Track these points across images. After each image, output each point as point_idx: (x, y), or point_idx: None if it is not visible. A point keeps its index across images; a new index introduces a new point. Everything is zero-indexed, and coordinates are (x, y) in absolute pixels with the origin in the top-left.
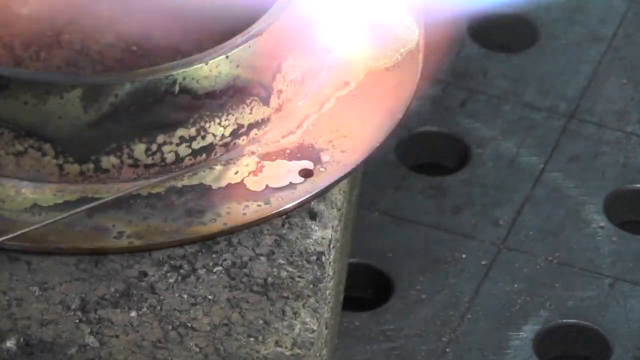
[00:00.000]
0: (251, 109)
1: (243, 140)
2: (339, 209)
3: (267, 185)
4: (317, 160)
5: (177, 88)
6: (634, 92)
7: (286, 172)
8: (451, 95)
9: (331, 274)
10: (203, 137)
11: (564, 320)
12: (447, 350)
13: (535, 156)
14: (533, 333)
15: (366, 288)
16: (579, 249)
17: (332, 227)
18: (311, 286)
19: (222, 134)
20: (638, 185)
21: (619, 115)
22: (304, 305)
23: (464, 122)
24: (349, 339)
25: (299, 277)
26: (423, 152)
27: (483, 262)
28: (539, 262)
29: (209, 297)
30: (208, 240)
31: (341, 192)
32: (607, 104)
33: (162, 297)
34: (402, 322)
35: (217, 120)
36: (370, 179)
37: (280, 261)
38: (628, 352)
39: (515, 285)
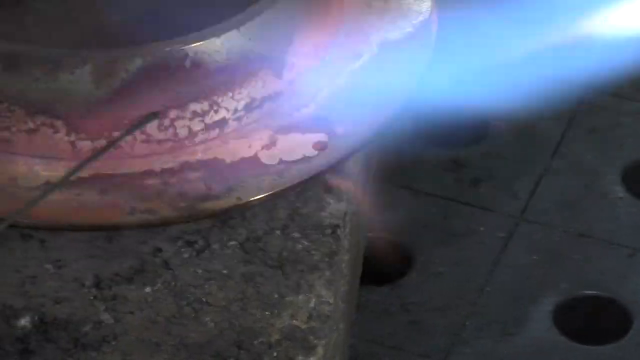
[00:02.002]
0: (264, 83)
1: (256, 113)
2: (354, 181)
3: (281, 159)
4: (331, 133)
5: (189, 62)
6: None
7: (300, 145)
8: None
9: (347, 246)
10: (216, 112)
11: (584, 292)
12: (467, 323)
13: (554, 128)
14: (552, 305)
15: (385, 262)
16: (597, 220)
17: (347, 199)
18: (326, 259)
19: (235, 108)
20: None
21: (637, 87)
22: (319, 278)
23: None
24: (367, 313)
25: (314, 250)
26: (441, 124)
27: (502, 235)
28: (558, 233)
29: (224, 271)
30: (222, 215)
31: (356, 164)
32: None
33: (176, 273)
34: (421, 296)
35: (230, 94)
36: (388, 151)
37: (295, 235)
38: None
39: (534, 258)
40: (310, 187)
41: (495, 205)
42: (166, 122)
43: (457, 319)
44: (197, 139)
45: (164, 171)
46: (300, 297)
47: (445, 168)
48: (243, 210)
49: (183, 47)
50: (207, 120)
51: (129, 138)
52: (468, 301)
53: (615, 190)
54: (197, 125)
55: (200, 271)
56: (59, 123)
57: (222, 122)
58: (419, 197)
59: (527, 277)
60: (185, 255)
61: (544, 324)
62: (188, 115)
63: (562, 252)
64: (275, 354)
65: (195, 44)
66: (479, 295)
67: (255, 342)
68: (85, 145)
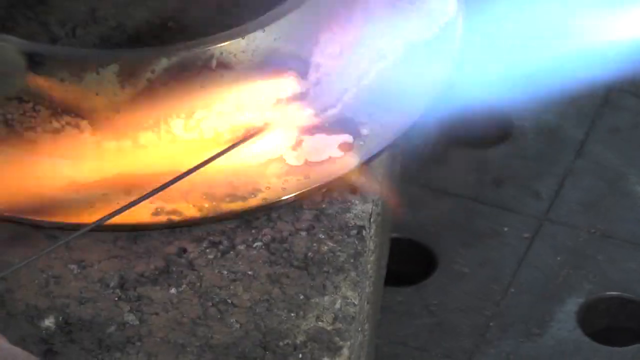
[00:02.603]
0: (289, 83)
1: (281, 114)
2: (380, 182)
3: (306, 160)
4: (356, 134)
5: (214, 62)
6: None
7: (326, 146)
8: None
9: (372, 248)
10: (242, 112)
11: (607, 293)
12: (491, 324)
13: (577, 128)
14: (576, 306)
15: (408, 263)
16: (621, 221)
17: (373, 200)
18: (352, 260)
19: (261, 108)
20: None
21: None
22: (344, 279)
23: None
24: (391, 314)
25: (340, 251)
26: (464, 125)
27: (525, 235)
28: (581, 234)
29: (249, 272)
30: (247, 216)
31: (381, 165)
32: None
33: (201, 274)
34: (445, 297)
35: (256, 95)
36: (411, 152)
37: (320, 236)
38: None
39: (558, 258)
40: (335, 188)
41: (519, 206)
42: (192, 122)
43: (481, 320)
44: (222, 139)
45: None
46: (326, 298)
47: (468, 168)
48: (268, 211)
49: (209, 48)
50: (233, 120)
51: (154, 138)
52: (492, 302)
53: (638, 190)
54: (223, 126)
55: (225, 272)
56: (84, 123)
57: (248, 123)
58: (442, 197)
59: (551, 278)
60: (211, 256)
61: (568, 325)
62: (214, 115)
63: (585, 253)
64: (300, 356)
65: (221, 45)
66: (503, 296)
67: (281, 343)
68: (111, 146)
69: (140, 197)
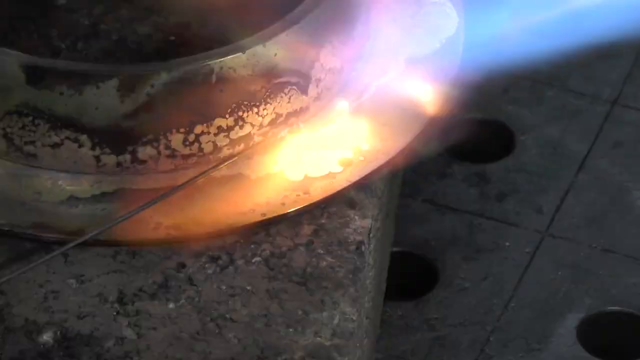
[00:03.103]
0: (289, 98)
1: (282, 129)
2: (379, 198)
3: (306, 175)
4: (356, 149)
5: (214, 77)
6: None
7: (325, 161)
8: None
9: (371, 263)
10: (241, 127)
11: (608, 308)
12: (491, 339)
13: (579, 142)
14: (577, 321)
15: (409, 277)
16: (623, 236)
17: (372, 216)
18: (351, 276)
19: (261, 124)
20: None
21: None
22: (343, 295)
23: (508, 109)
24: (392, 328)
25: (339, 266)
26: (466, 139)
27: (527, 250)
28: (583, 249)
29: (248, 288)
30: (246, 231)
31: (381, 180)
32: None
33: (200, 289)
34: (445, 311)
35: (255, 110)
36: (413, 167)
37: (319, 251)
38: None
39: (559, 273)
40: (335, 203)
41: (521, 220)
42: (191, 137)
43: (482, 335)
44: (222, 155)
45: (189, 186)
46: (325, 313)
47: (470, 183)
48: (267, 226)
49: (209, 63)
50: (233, 135)
51: (153, 153)
52: (493, 316)
53: None
54: (222, 141)
55: (224, 287)
56: (83, 137)
57: (248, 138)
58: (443, 211)
59: (552, 293)
60: (209, 271)
61: (569, 340)
62: (213, 130)
63: (587, 268)
64: None
65: (221, 59)
66: (503, 310)
67: (279, 358)
68: (110, 160)
69: (129, 212)
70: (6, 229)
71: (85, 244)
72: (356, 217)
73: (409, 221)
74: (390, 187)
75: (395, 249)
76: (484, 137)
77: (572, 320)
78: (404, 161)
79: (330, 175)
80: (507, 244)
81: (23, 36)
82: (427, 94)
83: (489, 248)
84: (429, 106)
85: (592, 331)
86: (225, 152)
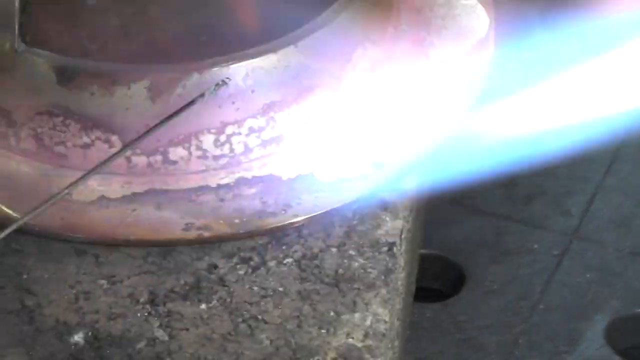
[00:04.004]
0: (320, 99)
1: (313, 130)
2: (410, 199)
3: (337, 176)
4: (388, 150)
5: (246, 78)
6: None
7: (357, 162)
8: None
9: (402, 264)
10: (272, 128)
11: (636, 310)
12: (519, 341)
13: (606, 146)
14: (605, 323)
15: (437, 279)
16: None
17: (404, 217)
18: (383, 277)
19: (292, 124)
20: None
21: None
22: (375, 296)
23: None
24: (420, 330)
25: (371, 268)
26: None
27: (555, 253)
28: (610, 252)
29: (280, 289)
30: (278, 232)
31: (412, 181)
32: None
33: (232, 290)
34: (473, 313)
35: (287, 110)
36: (442, 169)
37: (351, 252)
38: None
39: (587, 276)
40: (366, 204)
41: (548, 223)
42: (222, 137)
43: (510, 337)
44: (253, 155)
45: (219, 187)
46: (357, 315)
47: (498, 185)
48: (299, 227)
49: (240, 63)
50: (264, 136)
51: (184, 154)
52: (521, 319)
53: None
54: (253, 141)
55: (256, 288)
56: (114, 138)
57: (279, 138)
58: (471, 214)
59: (580, 295)
60: (241, 272)
61: (597, 342)
62: (244, 131)
63: (614, 270)
64: None
65: (252, 60)
66: (531, 313)
67: None
68: (141, 161)
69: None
70: (36, 229)
71: (115, 245)
72: (388, 219)
73: (437, 223)
74: (420, 188)
75: (423, 251)
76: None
77: (600, 323)
78: (433, 162)
79: (362, 176)
80: (535, 246)
81: (53, 37)
82: (458, 95)
83: (517, 250)
84: (459, 107)
85: (620, 333)
86: (257, 152)
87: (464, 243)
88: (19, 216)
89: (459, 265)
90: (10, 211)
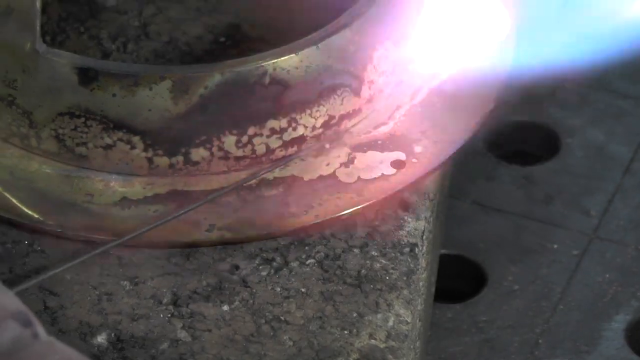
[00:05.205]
0: (342, 100)
1: (334, 131)
2: (432, 200)
3: (359, 177)
4: (409, 151)
5: (267, 79)
6: None
7: (378, 163)
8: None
9: (424, 265)
10: (294, 129)
11: None
12: (540, 341)
13: (625, 145)
14: (625, 323)
15: (458, 279)
16: None
17: (425, 218)
18: (405, 278)
19: (314, 125)
20: None
21: None
22: (397, 297)
23: (553, 112)
24: (441, 330)
25: (393, 269)
26: (513, 142)
27: (574, 252)
28: (630, 251)
29: (302, 290)
30: (300, 233)
31: (433, 182)
32: None
33: (254, 291)
34: (494, 314)
35: (308, 111)
36: (461, 169)
37: (373, 253)
38: None
39: (607, 275)
40: (388, 205)
41: (568, 223)
42: (244, 139)
43: (531, 337)
44: (274, 156)
45: (241, 188)
46: (379, 316)
47: (517, 185)
48: (321, 228)
49: (262, 64)
50: (285, 137)
51: (206, 155)
52: (541, 319)
53: None
54: (275, 143)
55: (278, 289)
56: (136, 139)
57: (301, 139)
58: (492, 214)
59: (600, 295)
60: (264, 273)
61: (617, 342)
62: (266, 132)
63: (634, 270)
64: None
65: (274, 61)
66: (552, 313)
67: None
68: (163, 162)
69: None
70: (58, 230)
71: (138, 246)
72: (409, 220)
73: (457, 223)
74: (441, 188)
75: (443, 251)
76: (530, 139)
77: (620, 323)
78: (454, 163)
79: (384, 177)
80: (555, 246)
81: (73, 38)
82: (479, 97)
83: (537, 250)
84: (480, 109)
85: None
86: (278, 153)
87: (484, 243)
88: (40, 217)
89: (480, 265)
90: (31, 212)
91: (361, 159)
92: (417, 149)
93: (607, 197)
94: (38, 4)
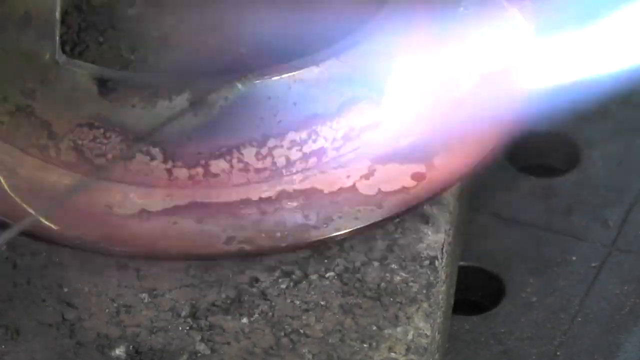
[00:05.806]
0: (363, 112)
1: (354, 143)
2: (451, 212)
3: (379, 189)
4: (429, 163)
5: (287, 91)
6: None
7: (398, 175)
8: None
9: (444, 278)
10: (314, 141)
11: None
12: (558, 353)
13: None
14: None
15: (476, 291)
16: None
17: (445, 230)
18: (424, 291)
19: (334, 137)
20: None
21: None
22: (417, 310)
23: (573, 123)
24: (459, 342)
25: (412, 281)
26: (533, 153)
27: (593, 264)
28: None
29: (322, 302)
30: (320, 246)
31: (453, 195)
32: None
33: (273, 303)
34: (512, 325)
35: (329, 123)
36: (480, 181)
37: (393, 266)
38: None
39: (625, 287)
40: (408, 217)
41: (587, 234)
42: (264, 150)
43: (549, 349)
44: (294, 168)
45: (261, 200)
46: (399, 329)
47: (537, 196)
48: (341, 240)
49: (282, 76)
50: (306, 149)
51: (226, 166)
52: (559, 331)
53: None
54: (295, 155)
55: (297, 302)
56: (155, 150)
57: (321, 152)
58: (511, 225)
59: (618, 307)
60: (283, 286)
61: (635, 355)
62: (286, 144)
63: None
64: None
65: (294, 72)
66: (570, 325)
67: None
68: (182, 173)
69: None
70: (77, 241)
71: (157, 258)
72: (429, 232)
73: (476, 235)
74: (460, 201)
75: (462, 263)
76: (550, 151)
77: (639, 335)
78: (474, 175)
79: (404, 189)
80: (574, 258)
81: (92, 48)
82: (499, 109)
83: (556, 262)
84: (501, 121)
85: None
86: (298, 165)
87: (502, 255)
88: (58, 229)
89: (498, 277)
90: (50, 224)
91: (381, 171)
92: (437, 160)
93: (626, 208)
94: (57, 14)
